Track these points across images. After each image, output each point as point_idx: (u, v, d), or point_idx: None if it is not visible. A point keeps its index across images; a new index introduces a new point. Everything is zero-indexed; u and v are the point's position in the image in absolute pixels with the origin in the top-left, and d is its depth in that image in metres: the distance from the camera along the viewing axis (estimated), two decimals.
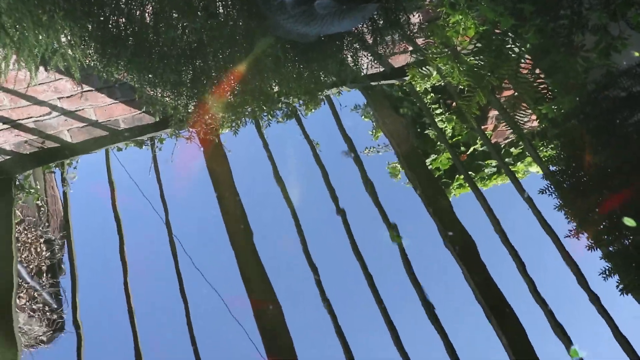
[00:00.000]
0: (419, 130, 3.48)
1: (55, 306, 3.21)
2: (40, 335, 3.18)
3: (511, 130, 3.66)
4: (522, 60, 2.98)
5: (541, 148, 3.85)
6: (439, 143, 3.52)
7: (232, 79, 1.91)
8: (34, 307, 3.11)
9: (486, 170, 3.56)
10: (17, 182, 2.68)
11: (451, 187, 3.59)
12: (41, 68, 2.32)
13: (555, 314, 2.35)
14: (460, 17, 2.58)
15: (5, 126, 2.55)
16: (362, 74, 2.87)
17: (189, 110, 2.02)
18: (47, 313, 3.19)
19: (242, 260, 2.49)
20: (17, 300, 2.76)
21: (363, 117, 3.56)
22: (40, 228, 3.31)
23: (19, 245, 3.09)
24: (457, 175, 3.56)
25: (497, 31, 2.50)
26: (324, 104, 2.88)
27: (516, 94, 3.07)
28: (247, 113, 2.56)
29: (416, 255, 2.60)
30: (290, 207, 2.65)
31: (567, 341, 2.26)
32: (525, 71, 3.20)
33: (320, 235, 2.61)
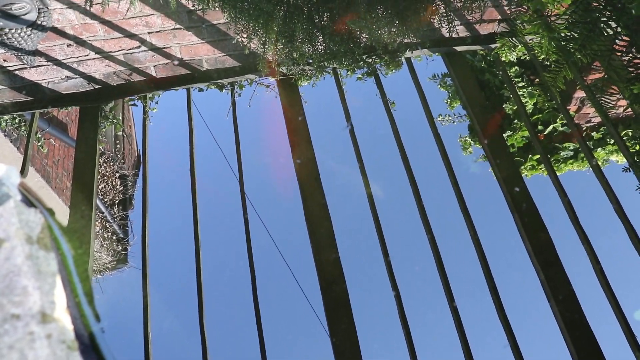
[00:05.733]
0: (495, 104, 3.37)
1: (122, 236, 3.36)
2: (107, 264, 3.34)
3: (595, 114, 3.50)
4: (618, 39, 2.83)
5: (625, 138, 3.66)
6: (515, 120, 3.41)
7: (324, 17, 1.90)
8: (104, 235, 3.27)
9: (562, 154, 3.43)
10: (103, 113, 2.79)
11: (523, 167, 3.48)
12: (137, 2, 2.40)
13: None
14: None
15: (98, 56, 2.65)
16: (448, 35, 2.81)
17: (277, 49, 2.04)
18: (114, 243, 3.34)
19: (310, 212, 2.51)
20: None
21: (439, 86, 3.49)
22: (117, 163, 3.45)
23: (98, 177, 3.23)
24: (531, 155, 3.44)
25: (594, 4, 2.39)
26: (404, 65, 2.84)
27: (606, 76, 2.93)
28: (330, 64, 2.57)
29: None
30: (361, 167, 2.64)
31: None
32: (619, 54, 3.04)
33: (389, 193, 2.60)
